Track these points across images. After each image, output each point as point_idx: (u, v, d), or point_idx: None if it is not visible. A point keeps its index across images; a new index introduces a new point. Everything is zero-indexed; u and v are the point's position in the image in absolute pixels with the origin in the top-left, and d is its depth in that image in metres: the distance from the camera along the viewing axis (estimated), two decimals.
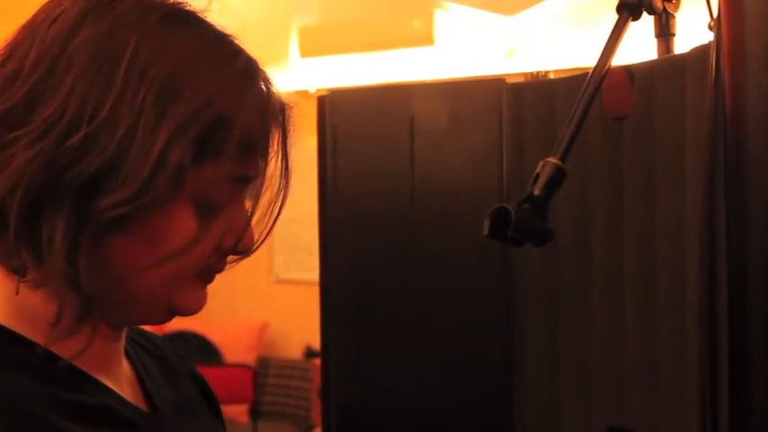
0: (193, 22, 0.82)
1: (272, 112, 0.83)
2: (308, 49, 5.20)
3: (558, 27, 4.29)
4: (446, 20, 4.69)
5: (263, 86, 0.83)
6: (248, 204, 0.86)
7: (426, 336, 1.31)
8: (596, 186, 1.18)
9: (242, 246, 0.84)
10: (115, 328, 0.86)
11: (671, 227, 1.08)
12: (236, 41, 0.84)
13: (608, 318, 1.17)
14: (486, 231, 0.95)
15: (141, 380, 0.91)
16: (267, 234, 0.87)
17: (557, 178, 0.96)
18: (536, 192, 0.96)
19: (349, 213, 1.34)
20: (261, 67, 0.84)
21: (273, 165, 0.86)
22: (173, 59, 0.78)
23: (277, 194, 0.86)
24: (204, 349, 5.26)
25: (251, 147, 0.82)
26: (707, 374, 0.91)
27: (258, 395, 5.29)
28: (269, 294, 5.64)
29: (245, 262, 0.89)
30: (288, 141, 0.86)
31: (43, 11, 0.80)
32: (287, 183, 0.87)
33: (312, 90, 4.75)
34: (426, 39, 4.78)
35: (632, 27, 1.07)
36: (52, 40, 0.77)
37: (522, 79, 1.30)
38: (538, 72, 1.26)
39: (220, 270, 0.86)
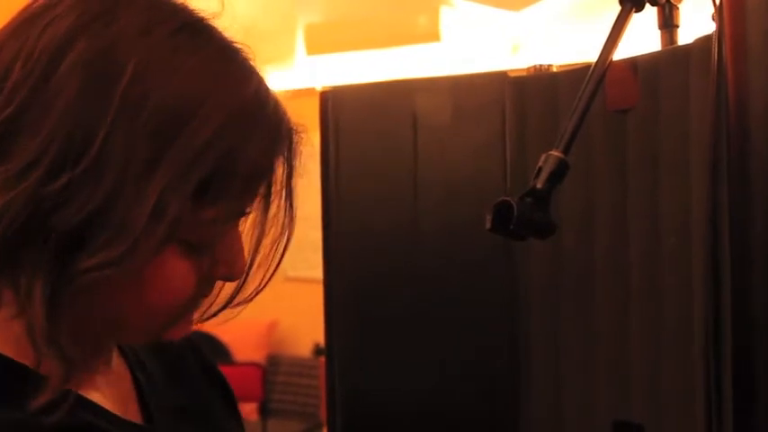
0: (205, 38, 0.72)
1: (283, 141, 0.75)
2: (314, 47, 5.20)
3: (563, 22, 4.28)
4: (452, 16, 4.68)
5: (276, 111, 0.74)
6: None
7: (430, 333, 1.30)
8: (600, 180, 1.17)
9: (232, 273, 0.78)
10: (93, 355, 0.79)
11: (676, 221, 1.07)
12: (246, 55, 0.75)
13: (613, 313, 1.16)
14: (488, 225, 0.95)
15: (138, 386, 0.85)
16: (271, 275, 0.80)
17: (559, 171, 0.96)
18: (538, 185, 0.95)
19: (352, 210, 1.34)
20: (268, 84, 0.75)
21: (276, 205, 0.78)
22: (177, 87, 0.67)
23: (281, 234, 0.79)
24: (213, 348, 5.26)
25: (255, 183, 0.75)
26: (712, 369, 0.91)
27: (268, 393, 5.29)
28: (277, 292, 5.60)
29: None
30: (293, 177, 0.78)
31: (35, 10, 0.70)
32: (291, 221, 0.79)
33: (318, 87, 4.75)
34: (432, 35, 4.77)
35: (635, 19, 1.06)
36: (41, 54, 0.66)
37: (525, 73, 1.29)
38: (540, 65, 1.25)
39: (207, 296, 0.79)
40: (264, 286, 0.81)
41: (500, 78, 1.27)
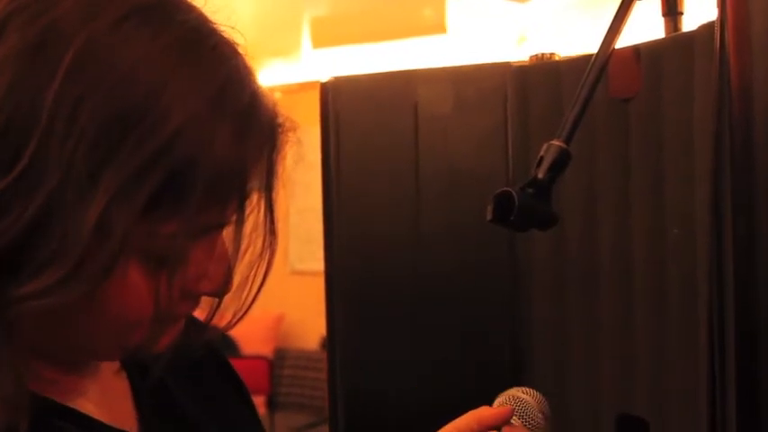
0: (159, 25, 0.60)
1: (255, 142, 0.64)
2: (320, 40, 5.20)
3: (569, 13, 4.26)
4: (458, 8, 4.66)
5: (248, 104, 0.63)
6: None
7: (432, 325, 1.29)
8: (603, 169, 1.16)
9: (215, 289, 0.68)
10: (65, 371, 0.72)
11: (680, 211, 1.06)
12: (218, 41, 0.63)
13: (616, 306, 1.15)
14: (489, 216, 0.93)
15: (135, 391, 0.80)
16: (254, 299, 0.70)
17: (561, 161, 0.94)
18: (540, 175, 0.94)
19: (353, 201, 1.33)
20: (253, 76, 0.65)
21: (254, 219, 0.67)
22: (121, 86, 0.57)
23: (262, 252, 0.68)
24: (220, 342, 5.26)
25: (224, 190, 0.63)
26: (716, 362, 0.89)
27: (275, 386, 5.31)
28: (284, 285, 5.64)
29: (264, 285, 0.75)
30: (273, 185, 0.66)
31: None
32: (273, 236, 0.68)
33: (324, 81, 4.74)
34: (438, 27, 4.77)
35: (639, 6, 1.04)
36: None
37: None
38: (542, 54, 1.23)
39: (188, 314, 0.71)
40: (243, 315, 0.71)
41: (502, 68, 1.26)
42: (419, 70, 1.31)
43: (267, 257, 0.69)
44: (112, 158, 0.56)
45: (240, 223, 0.66)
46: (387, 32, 4.94)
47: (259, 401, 5.11)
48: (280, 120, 0.67)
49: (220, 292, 0.69)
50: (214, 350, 0.95)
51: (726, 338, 0.86)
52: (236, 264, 0.68)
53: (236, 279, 0.69)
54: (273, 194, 0.67)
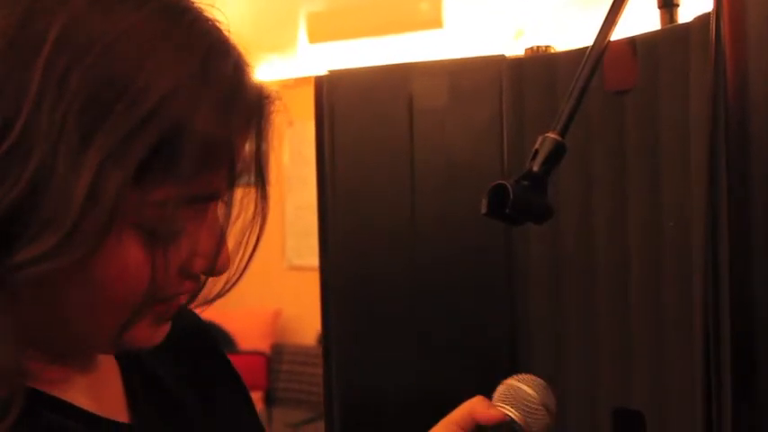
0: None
1: (242, 111, 0.66)
2: (316, 35, 5.19)
3: (566, 7, 4.25)
4: (454, 2, 4.66)
5: (234, 74, 0.65)
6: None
7: (428, 320, 1.29)
8: (598, 162, 1.15)
9: (211, 267, 0.69)
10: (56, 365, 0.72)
11: (676, 203, 1.05)
12: (200, 14, 0.66)
13: (613, 299, 1.15)
14: (484, 210, 0.93)
15: (128, 384, 0.80)
16: (246, 267, 0.71)
17: (556, 153, 0.93)
18: (535, 168, 0.93)
19: (348, 195, 1.32)
20: (236, 50, 0.66)
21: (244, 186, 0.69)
22: (107, 56, 0.59)
23: (253, 217, 0.70)
24: (217, 337, 5.26)
25: (213, 158, 0.64)
26: (712, 355, 0.89)
27: (272, 382, 5.31)
28: (281, 281, 5.65)
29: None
30: (263, 147, 0.68)
31: None
32: (264, 199, 0.70)
33: (319, 75, 4.73)
34: (435, 21, 4.76)
35: None
36: None
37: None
38: (538, 47, 1.23)
39: (184, 298, 0.71)
40: (235, 282, 0.72)
41: (497, 61, 1.25)
42: (414, 63, 1.30)
43: (259, 223, 0.71)
44: (102, 124, 0.59)
45: (231, 192, 0.68)
46: (383, 27, 4.93)
47: (256, 397, 5.11)
48: (266, 90, 0.68)
49: (216, 271, 0.69)
50: (212, 343, 0.95)
51: (721, 332, 0.85)
52: (229, 233, 0.69)
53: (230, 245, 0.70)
54: (264, 161, 0.69)
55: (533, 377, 0.91)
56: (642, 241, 1.10)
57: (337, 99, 1.32)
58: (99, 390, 0.77)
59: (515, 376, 0.92)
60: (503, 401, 0.90)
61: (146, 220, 0.63)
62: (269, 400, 5.18)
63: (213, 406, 0.89)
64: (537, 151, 0.94)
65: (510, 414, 0.89)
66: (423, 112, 1.27)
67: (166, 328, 0.72)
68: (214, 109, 0.63)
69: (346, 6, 5.04)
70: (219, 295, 0.74)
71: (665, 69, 1.06)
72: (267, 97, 0.69)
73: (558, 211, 1.02)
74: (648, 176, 1.09)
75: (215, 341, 0.96)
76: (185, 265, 0.67)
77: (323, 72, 1.35)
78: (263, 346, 5.53)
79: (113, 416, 0.76)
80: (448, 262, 1.28)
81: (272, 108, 0.69)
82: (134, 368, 0.83)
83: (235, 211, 0.69)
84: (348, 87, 1.33)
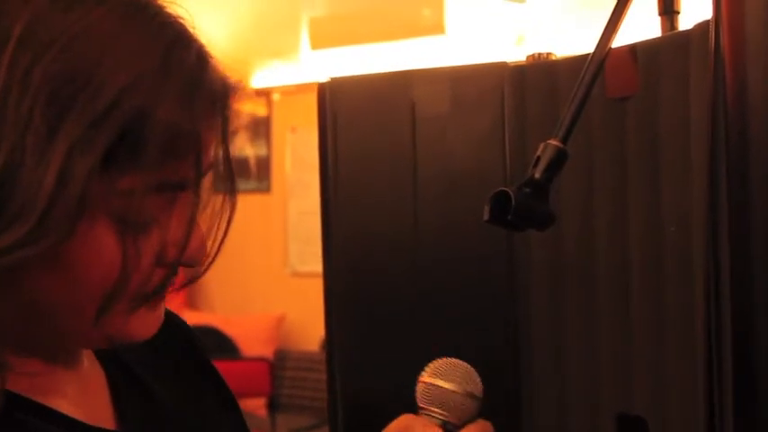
0: None
1: (205, 100, 0.68)
2: (318, 41, 5.20)
3: (569, 14, 4.26)
4: (457, 8, 4.67)
5: (196, 63, 0.67)
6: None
7: (430, 326, 1.29)
8: (600, 168, 1.16)
9: (188, 258, 0.70)
10: (48, 362, 0.74)
11: (677, 210, 1.06)
12: (167, 11, 0.68)
13: (614, 305, 1.15)
14: (486, 216, 0.93)
15: (114, 390, 0.81)
16: (217, 251, 0.73)
17: (558, 161, 0.94)
18: (537, 175, 0.94)
19: (351, 201, 1.33)
20: (199, 42, 0.68)
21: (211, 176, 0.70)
22: (69, 49, 0.62)
23: (223, 204, 0.72)
24: (221, 343, 5.27)
25: (178, 146, 0.66)
26: (714, 360, 0.89)
27: (276, 388, 5.30)
28: (285, 287, 5.65)
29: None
30: (229, 134, 0.70)
31: None
32: (232, 186, 0.72)
33: (322, 81, 4.73)
34: (437, 27, 4.77)
35: (636, 5, 1.04)
36: None
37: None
38: (539, 54, 1.23)
39: (167, 289, 0.72)
40: (205, 271, 0.74)
41: (499, 67, 1.26)
42: (416, 70, 1.31)
43: (228, 212, 0.72)
44: (67, 114, 0.62)
45: (199, 182, 0.70)
46: (385, 33, 4.94)
47: (260, 403, 5.11)
48: (231, 79, 0.71)
49: (188, 260, 0.71)
50: (197, 350, 0.96)
51: (723, 337, 0.86)
52: (191, 226, 0.70)
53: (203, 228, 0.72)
54: (231, 149, 0.71)
55: (447, 363, 0.90)
56: (643, 247, 1.11)
57: (340, 106, 1.33)
58: (85, 395, 0.78)
59: (429, 370, 0.91)
60: (428, 404, 0.90)
61: (115, 209, 0.65)
62: (273, 406, 5.18)
63: (197, 410, 0.90)
64: (539, 158, 0.95)
65: (439, 416, 0.88)
66: (425, 119, 1.28)
67: (159, 317, 0.74)
68: (177, 99, 0.65)
69: (348, 12, 5.05)
70: (190, 282, 0.75)
71: (666, 76, 1.06)
72: (232, 88, 0.71)
73: (559, 218, 1.03)
74: (649, 182, 1.09)
75: (199, 345, 0.97)
76: (159, 255, 0.69)
77: (325, 78, 1.35)
78: (267, 352, 5.53)
79: (99, 422, 0.77)
80: (450, 268, 1.28)
81: (237, 98, 0.71)
82: (119, 373, 0.83)
83: (204, 201, 0.71)
84: (350, 94, 1.34)
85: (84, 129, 0.62)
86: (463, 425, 0.88)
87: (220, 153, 0.71)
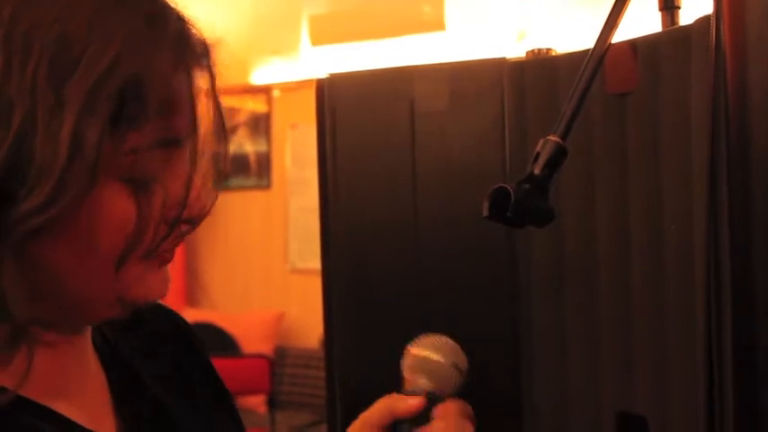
0: None
1: (192, 57, 0.72)
2: (318, 38, 5.20)
3: (569, 10, 4.25)
4: (457, 4, 4.66)
5: (178, 27, 0.72)
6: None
7: (430, 322, 1.28)
8: (600, 164, 1.15)
9: (190, 214, 0.73)
10: (66, 334, 0.75)
11: (677, 206, 1.05)
12: None
13: (615, 302, 1.15)
14: (485, 213, 0.93)
15: (114, 391, 0.81)
16: (215, 199, 0.76)
17: (557, 157, 0.93)
18: (536, 171, 0.93)
19: (350, 198, 1.32)
20: (175, 8, 0.73)
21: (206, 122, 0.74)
22: (61, 22, 0.66)
23: (217, 151, 0.75)
24: (221, 340, 5.26)
25: (173, 103, 0.71)
26: (716, 360, 0.89)
27: (276, 385, 5.29)
28: (284, 284, 5.64)
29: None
30: (216, 85, 0.74)
31: None
32: (224, 133, 0.76)
33: (320, 78, 4.73)
34: (437, 24, 4.76)
35: (636, 1, 1.04)
36: None
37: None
38: (539, 49, 1.23)
39: (174, 245, 0.75)
40: (208, 211, 0.76)
41: (498, 63, 1.25)
42: (415, 66, 1.30)
43: (224, 151, 0.76)
44: (71, 76, 0.65)
45: (194, 136, 0.73)
46: (386, 30, 4.93)
47: (260, 400, 5.10)
48: (208, 37, 0.74)
49: (189, 216, 0.73)
50: (195, 348, 0.96)
51: (723, 335, 0.85)
52: (195, 170, 0.73)
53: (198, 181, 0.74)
54: (219, 100, 0.74)
55: (434, 338, 0.92)
56: (644, 244, 1.10)
57: (339, 102, 1.32)
58: (86, 398, 0.78)
59: (417, 343, 0.93)
60: (415, 374, 0.92)
61: (122, 168, 0.68)
62: (272, 403, 5.17)
63: (195, 410, 0.90)
64: (538, 154, 0.94)
65: (425, 386, 0.90)
66: (424, 115, 1.28)
67: (167, 278, 0.75)
68: (169, 58, 0.69)
69: (348, 9, 5.05)
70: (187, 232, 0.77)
71: (666, 71, 1.06)
72: (211, 44, 0.75)
73: (559, 214, 1.02)
74: (650, 178, 1.09)
75: (197, 343, 0.97)
76: (162, 211, 0.72)
77: (325, 75, 1.35)
78: (267, 349, 5.53)
79: (99, 424, 0.77)
80: (450, 265, 1.28)
81: (216, 52, 0.75)
82: (120, 374, 0.83)
83: (200, 146, 0.74)
84: (350, 90, 1.33)
85: (88, 90, 0.65)
86: (447, 396, 0.90)
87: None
